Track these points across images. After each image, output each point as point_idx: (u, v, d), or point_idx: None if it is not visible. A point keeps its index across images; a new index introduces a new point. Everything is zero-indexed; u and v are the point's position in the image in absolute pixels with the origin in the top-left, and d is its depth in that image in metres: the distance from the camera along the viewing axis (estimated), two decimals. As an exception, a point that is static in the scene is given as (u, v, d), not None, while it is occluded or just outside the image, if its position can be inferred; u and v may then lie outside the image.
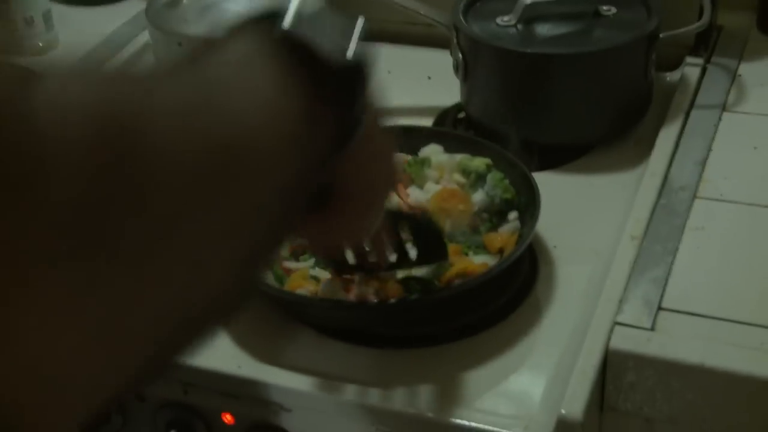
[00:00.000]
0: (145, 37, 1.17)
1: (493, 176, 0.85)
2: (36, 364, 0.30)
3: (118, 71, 0.48)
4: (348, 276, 0.76)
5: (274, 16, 0.47)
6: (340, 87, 0.48)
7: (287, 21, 0.47)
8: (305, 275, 0.78)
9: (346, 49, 0.49)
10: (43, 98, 0.31)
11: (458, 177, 0.87)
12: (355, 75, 0.50)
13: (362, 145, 0.51)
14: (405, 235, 0.75)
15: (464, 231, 0.82)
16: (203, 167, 0.37)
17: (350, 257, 0.74)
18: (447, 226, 0.82)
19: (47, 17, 1.19)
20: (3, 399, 0.29)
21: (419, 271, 0.77)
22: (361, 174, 0.55)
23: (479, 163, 0.87)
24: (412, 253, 0.76)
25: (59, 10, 1.26)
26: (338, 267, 0.76)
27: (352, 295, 0.76)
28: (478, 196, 0.84)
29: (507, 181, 0.84)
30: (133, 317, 0.34)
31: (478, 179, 0.86)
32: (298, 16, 0.47)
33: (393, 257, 0.75)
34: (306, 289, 0.77)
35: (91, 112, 0.32)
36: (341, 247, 0.70)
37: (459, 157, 0.88)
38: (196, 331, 0.41)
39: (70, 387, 0.31)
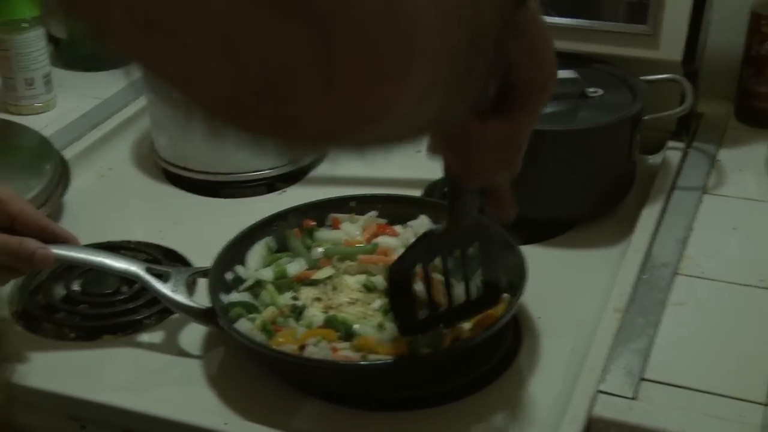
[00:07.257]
0: (142, 101, 1.19)
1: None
2: None
3: None
4: (411, 336, 0.77)
5: None
6: None
7: None
8: (293, 335, 0.79)
9: None
10: None
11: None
12: None
13: (532, 23, 0.53)
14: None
15: None
16: None
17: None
18: None
19: (47, 80, 1.22)
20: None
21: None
22: (535, 56, 0.56)
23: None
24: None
25: (59, 74, 1.29)
26: (404, 326, 0.77)
27: (337, 356, 0.77)
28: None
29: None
30: None
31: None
32: None
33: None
34: (290, 347, 0.77)
35: None
36: (492, 178, 0.66)
37: None
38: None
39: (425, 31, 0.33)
